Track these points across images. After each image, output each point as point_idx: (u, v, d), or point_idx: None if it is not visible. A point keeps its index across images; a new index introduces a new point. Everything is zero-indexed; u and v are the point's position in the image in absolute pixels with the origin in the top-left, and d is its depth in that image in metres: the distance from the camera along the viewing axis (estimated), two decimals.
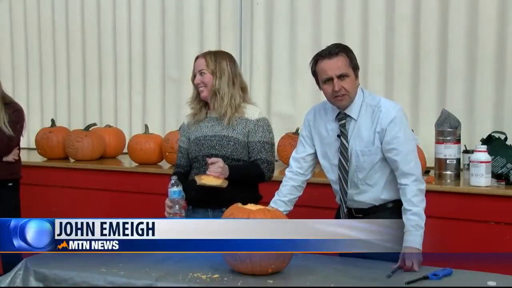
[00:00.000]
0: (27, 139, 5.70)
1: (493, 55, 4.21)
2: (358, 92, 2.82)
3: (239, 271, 2.46)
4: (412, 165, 2.73)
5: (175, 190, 2.95)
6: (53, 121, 5.27)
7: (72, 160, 4.99)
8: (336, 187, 2.92)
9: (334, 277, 2.46)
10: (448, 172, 3.77)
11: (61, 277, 2.51)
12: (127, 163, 4.91)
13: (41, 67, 5.99)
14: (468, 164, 3.76)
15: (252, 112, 3.11)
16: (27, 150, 5.68)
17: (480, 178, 3.53)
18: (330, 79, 2.76)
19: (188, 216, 3.08)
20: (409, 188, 2.70)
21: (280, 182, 3.04)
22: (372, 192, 2.82)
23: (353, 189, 2.84)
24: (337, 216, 2.96)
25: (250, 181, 3.10)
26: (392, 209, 2.80)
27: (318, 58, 2.79)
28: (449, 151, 3.76)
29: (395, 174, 2.78)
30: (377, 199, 2.83)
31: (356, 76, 2.80)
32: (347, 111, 2.82)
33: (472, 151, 3.72)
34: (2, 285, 2.59)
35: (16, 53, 6.09)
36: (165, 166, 4.70)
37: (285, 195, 2.98)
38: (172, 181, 2.96)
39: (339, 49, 2.76)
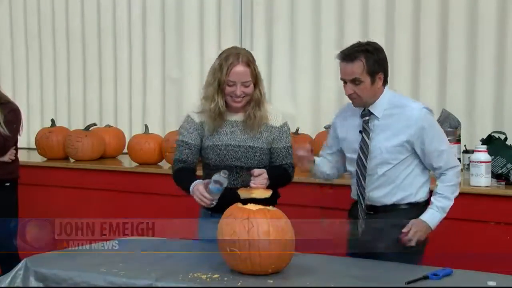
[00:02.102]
0: (27, 139, 5.71)
1: (493, 55, 4.21)
2: (385, 92, 2.82)
3: (239, 271, 2.45)
4: (452, 160, 2.82)
5: (219, 189, 2.71)
6: (53, 121, 5.27)
7: (72, 160, 4.99)
8: (353, 180, 2.92)
9: (334, 277, 2.46)
10: None
11: (61, 277, 2.51)
12: (127, 163, 4.91)
13: (41, 67, 6.00)
14: (468, 164, 3.76)
15: (275, 118, 2.96)
16: (27, 150, 5.68)
17: (480, 178, 3.53)
18: (345, 80, 2.78)
19: (207, 220, 2.91)
20: (447, 176, 2.79)
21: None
22: (387, 189, 2.82)
23: (369, 184, 2.84)
24: (351, 213, 2.98)
25: (280, 186, 3.00)
26: (405, 211, 2.81)
27: (339, 56, 2.79)
28: None
29: (419, 172, 2.83)
30: (391, 198, 2.83)
31: (374, 81, 2.75)
32: (371, 109, 2.83)
33: (472, 151, 3.72)
34: (2, 285, 2.59)
35: (16, 53, 6.10)
36: (165, 166, 4.70)
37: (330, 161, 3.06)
38: (218, 180, 2.69)
39: (359, 53, 2.73)
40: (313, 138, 4.52)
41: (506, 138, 3.79)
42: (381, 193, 2.84)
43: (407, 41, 4.45)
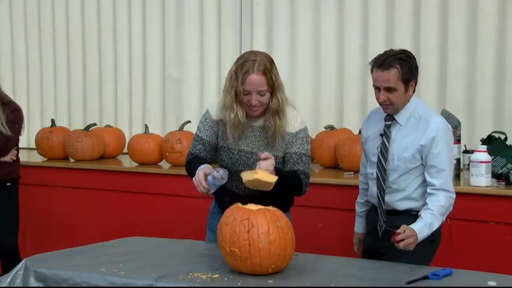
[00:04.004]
0: (27, 139, 5.71)
1: (493, 55, 4.21)
2: (412, 101, 2.85)
3: (239, 271, 2.46)
4: (449, 185, 2.78)
5: (215, 184, 2.68)
6: (53, 121, 5.27)
7: (72, 160, 4.98)
8: (372, 182, 2.95)
9: (334, 277, 2.46)
10: None
11: (61, 277, 2.51)
12: (127, 163, 4.90)
13: (41, 67, 6.00)
14: (468, 164, 3.75)
15: (292, 124, 2.85)
16: (27, 150, 5.68)
17: (480, 178, 3.53)
18: (378, 88, 2.80)
19: (216, 214, 2.93)
20: (438, 197, 2.75)
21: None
22: (399, 196, 2.86)
23: (386, 189, 2.88)
24: (368, 218, 3.04)
25: (288, 190, 2.89)
26: (416, 217, 2.78)
27: (373, 64, 2.81)
28: None
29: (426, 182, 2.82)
30: (402, 205, 2.86)
31: (407, 88, 2.79)
32: (395, 115, 2.86)
33: (472, 151, 3.72)
34: (2, 285, 2.59)
35: (16, 53, 6.10)
36: (165, 166, 4.70)
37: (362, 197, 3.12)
38: (221, 177, 2.66)
39: (394, 61, 2.74)
40: (313, 138, 4.52)
41: (506, 138, 3.79)
42: (393, 198, 2.87)
43: (407, 41, 4.44)
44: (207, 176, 2.70)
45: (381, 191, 2.87)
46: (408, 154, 2.80)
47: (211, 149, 2.95)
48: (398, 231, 2.61)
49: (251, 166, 2.83)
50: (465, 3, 4.27)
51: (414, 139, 2.80)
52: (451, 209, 2.80)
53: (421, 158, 2.80)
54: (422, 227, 2.67)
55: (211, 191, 2.74)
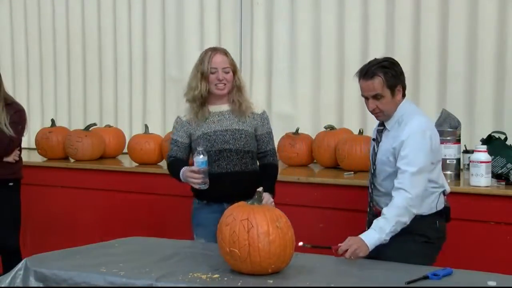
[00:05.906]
0: (27, 139, 5.70)
1: (493, 55, 4.21)
2: (401, 106, 2.88)
3: (239, 271, 2.46)
4: (410, 187, 2.74)
5: (203, 161, 3.02)
6: (53, 121, 5.27)
7: (72, 160, 4.99)
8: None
9: (334, 277, 2.46)
10: (448, 172, 3.77)
11: (61, 277, 2.51)
12: (127, 163, 4.91)
13: (41, 67, 6.00)
14: (468, 164, 3.75)
15: (256, 106, 3.32)
16: (27, 150, 5.68)
17: (480, 178, 3.53)
18: (367, 97, 2.86)
19: (202, 208, 3.27)
20: (396, 198, 2.75)
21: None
22: (384, 199, 2.89)
23: (375, 191, 2.97)
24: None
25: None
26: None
27: (358, 75, 2.87)
28: (449, 151, 3.76)
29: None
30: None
31: (394, 94, 2.83)
32: (384, 121, 2.94)
33: (472, 151, 3.72)
34: (2, 285, 2.59)
35: (16, 53, 6.10)
36: (165, 166, 4.68)
37: None
38: (199, 150, 3.03)
39: (377, 70, 2.81)
40: (313, 138, 4.52)
41: (506, 138, 3.79)
42: (384, 201, 2.89)
43: (407, 41, 4.45)
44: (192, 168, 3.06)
45: (370, 193, 2.98)
46: (385, 157, 2.88)
47: (184, 148, 3.32)
48: (340, 243, 2.66)
49: (228, 142, 3.20)
50: (465, 3, 4.27)
51: (391, 143, 2.85)
52: (414, 211, 2.75)
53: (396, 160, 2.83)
54: (371, 233, 2.71)
55: (205, 183, 3.04)
